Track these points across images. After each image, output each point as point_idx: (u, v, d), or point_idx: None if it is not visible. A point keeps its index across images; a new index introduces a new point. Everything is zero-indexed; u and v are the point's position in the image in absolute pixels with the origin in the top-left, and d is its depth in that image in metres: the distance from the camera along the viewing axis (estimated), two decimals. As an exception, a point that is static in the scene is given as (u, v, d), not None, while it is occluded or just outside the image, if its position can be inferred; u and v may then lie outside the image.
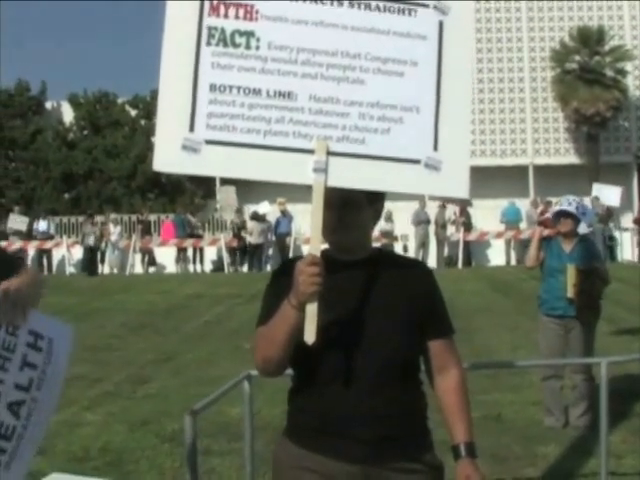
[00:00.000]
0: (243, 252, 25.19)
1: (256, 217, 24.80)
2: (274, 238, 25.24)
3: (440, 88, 2.58)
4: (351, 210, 2.58)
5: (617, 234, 25.23)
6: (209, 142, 2.53)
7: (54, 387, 2.79)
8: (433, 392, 2.69)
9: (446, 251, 25.19)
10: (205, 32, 2.54)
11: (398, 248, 23.88)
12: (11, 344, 2.64)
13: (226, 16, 2.55)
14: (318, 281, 2.38)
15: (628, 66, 29.38)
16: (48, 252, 25.79)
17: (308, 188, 2.50)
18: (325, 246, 2.61)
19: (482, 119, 29.66)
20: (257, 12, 2.56)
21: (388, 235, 23.88)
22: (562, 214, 7.00)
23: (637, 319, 11.58)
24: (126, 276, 23.83)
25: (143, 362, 10.10)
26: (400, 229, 24.83)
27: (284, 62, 2.54)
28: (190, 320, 13.69)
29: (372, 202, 2.64)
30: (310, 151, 2.52)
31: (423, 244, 24.82)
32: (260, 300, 2.67)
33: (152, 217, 27.85)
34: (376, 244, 2.80)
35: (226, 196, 25.54)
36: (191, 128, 2.52)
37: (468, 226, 25.28)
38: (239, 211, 25.69)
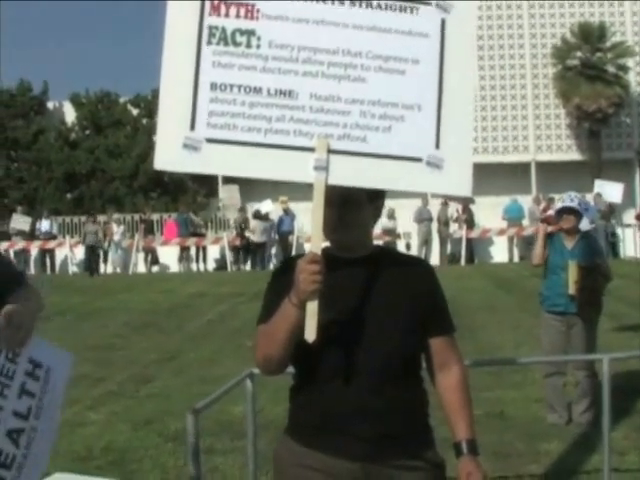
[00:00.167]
0: (246, 251, 25.18)
1: (259, 216, 24.79)
2: (277, 236, 25.25)
3: (442, 86, 2.57)
4: (351, 208, 2.58)
5: (619, 230, 25.20)
6: (210, 140, 2.53)
7: (52, 416, 2.80)
8: (434, 389, 2.69)
9: (449, 248, 25.23)
10: (206, 31, 2.54)
11: (401, 246, 23.88)
12: (10, 371, 2.64)
13: (227, 15, 2.56)
14: (319, 279, 2.38)
15: (630, 62, 29.33)
16: (51, 252, 25.79)
17: (309, 186, 2.50)
18: (326, 244, 2.61)
19: (484, 116, 29.64)
20: (258, 11, 2.56)
21: (391, 233, 23.89)
22: (565, 211, 6.99)
23: (639, 315, 11.56)
24: (129, 275, 23.83)
25: (146, 361, 10.10)
26: (403, 227, 24.83)
27: (285, 60, 2.54)
28: (193, 319, 13.69)
29: (372, 200, 2.63)
30: (311, 149, 2.51)
31: (426, 241, 24.83)
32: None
33: (155, 216, 27.82)
34: (379, 242, 2.79)
35: (229, 195, 25.54)
36: (192, 127, 2.53)
37: (470, 223, 25.28)
38: (242, 210, 25.68)
